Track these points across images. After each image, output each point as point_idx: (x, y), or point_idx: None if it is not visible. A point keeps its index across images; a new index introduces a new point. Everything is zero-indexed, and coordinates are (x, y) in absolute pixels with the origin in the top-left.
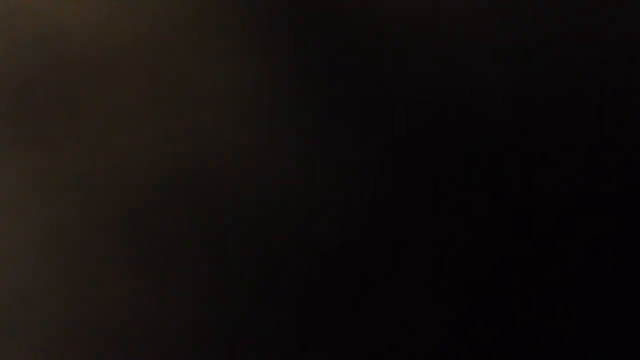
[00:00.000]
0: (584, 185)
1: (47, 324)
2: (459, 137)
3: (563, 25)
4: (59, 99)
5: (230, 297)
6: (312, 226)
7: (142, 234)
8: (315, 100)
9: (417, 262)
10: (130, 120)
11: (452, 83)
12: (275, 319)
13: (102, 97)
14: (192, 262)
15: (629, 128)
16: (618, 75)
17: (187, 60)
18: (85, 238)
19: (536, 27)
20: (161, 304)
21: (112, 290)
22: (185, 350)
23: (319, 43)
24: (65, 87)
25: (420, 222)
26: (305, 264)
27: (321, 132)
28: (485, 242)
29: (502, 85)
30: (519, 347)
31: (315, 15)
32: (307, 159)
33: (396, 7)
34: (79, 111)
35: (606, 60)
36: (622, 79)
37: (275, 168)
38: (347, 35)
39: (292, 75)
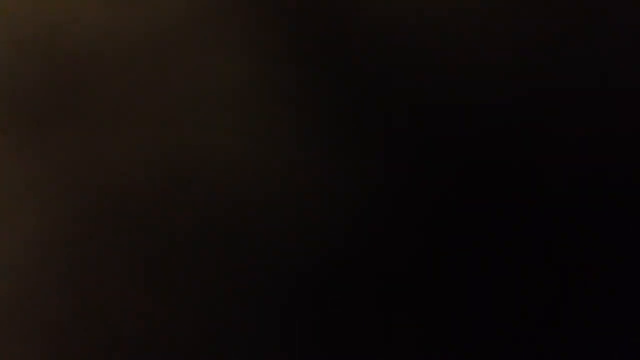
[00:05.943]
0: (585, 185)
1: (46, 326)
2: (459, 138)
3: (564, 23)
4: (57, 102)
5: (228, 299)
6: (312, 229)
7: (141, 236)
8: (315, 102)
9: (415, 263)
10: (129, 122)
11: (452, 83)
12: (275, 320)
13: (101, 100)
14: (190, 264)
15: (630, 127)
16: (619, 74)
17: (188, 62)
18: (84, 240)
19: (537, 26)
20: (160, 306)
21: (110, 293)
22: (185, 351)
23: (319, 45)
24: (63, 90)
25: (420, 222)
26: (304, 267)
27: (321, 134)
28: (485, 242)
29: (503, 85)
30: (522, 349)
31: (316, 15)
32: (306, 160)
33: (396, 7)
34: (77, 114)
35: (607, 59)
36: (623, 78)
37: (275, 169)
38: (347, 36)
39: (292, 76)
